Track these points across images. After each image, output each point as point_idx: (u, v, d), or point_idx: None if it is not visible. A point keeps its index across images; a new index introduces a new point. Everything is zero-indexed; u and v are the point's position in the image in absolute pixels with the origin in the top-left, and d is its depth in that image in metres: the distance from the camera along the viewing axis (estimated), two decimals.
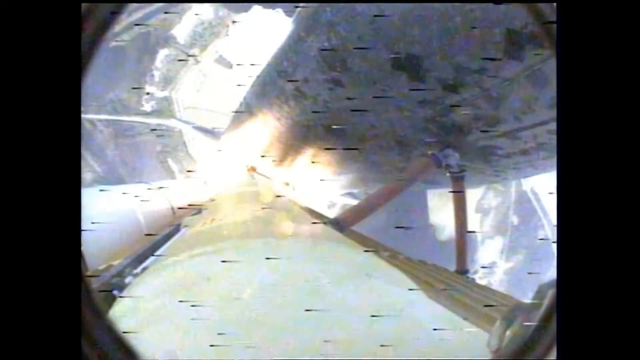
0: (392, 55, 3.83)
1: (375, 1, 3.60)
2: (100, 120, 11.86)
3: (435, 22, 3.33)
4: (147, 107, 12.11)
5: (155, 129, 11.86)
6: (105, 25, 0.58)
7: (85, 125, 11.68)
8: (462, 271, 5.20)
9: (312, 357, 0.69)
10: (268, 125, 7.33)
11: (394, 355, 0.73)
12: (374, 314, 0.92)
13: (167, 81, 12.08)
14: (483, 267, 16.51)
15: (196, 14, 11.56)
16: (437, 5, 3.25)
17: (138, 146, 12.11)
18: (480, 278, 16.24)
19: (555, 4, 0.63)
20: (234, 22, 11.71)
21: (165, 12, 11.42)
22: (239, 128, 9.28)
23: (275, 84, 6.01)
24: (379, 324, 0.87)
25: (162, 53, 12.00)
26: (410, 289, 1.41)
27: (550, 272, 17.45)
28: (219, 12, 11.80)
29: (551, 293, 0.62)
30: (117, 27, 11.59)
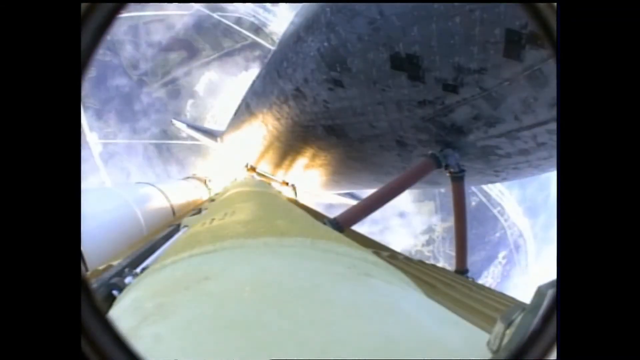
0: (392, 55, 3.84)
1: (376, 1, 3.60)
2: (151, 144, 18.67)
3: (435, 22, 3.33)
4: (184, 134, 18.16)
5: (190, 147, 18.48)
6: (105, 25, 0.58)
7: (138, 148, 18.33)
8: (462, 271, 5.20)
9: (311, 357, 0.69)
10: (268, 125, 7.33)
11: (394, 355, 0.73)
12: (373, 314, 0.92)
13: (195, 119, 18.82)
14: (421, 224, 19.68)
15: (209, 79, 19.10)
16: (437, 5, 3.25)
17: (180, 160, 18.49)
18: (422, 233, 20.12)
19: (555, 4, 0.63)
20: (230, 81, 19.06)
21: (187, 75, 18.72)
22: (239, 129, 9.28)
23: (275, 84, 6.01)
24: (378, 323, 0.87)
25: (189, 102, 19.29)
26: (409, 289, 1.41)
27: (496, 233, 19.56)
28: (222, 75, 19.28)
29: (551, 293, 0.62)
30: (155, 85, 18.19)
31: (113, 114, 17.28)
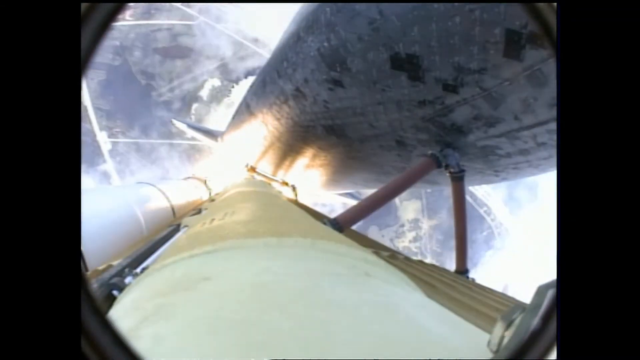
0: (392, 55, 3.83)
1: (376, 1, 3.60)
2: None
3: (435, 22, 3.33)
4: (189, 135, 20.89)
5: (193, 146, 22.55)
6: (105, 25, 0.58)
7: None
8: (462, 271, 5.20)
9: (311, 357, 0.69)
10: (268, 125, 7.33)
11: (394, 355, 0.73)
12: (373, 314, 0.92)
13: (200, 121, 22.01)
14: (408, 221, 21.78)
15: (212, 85, 22.49)
16: (437, 5, 3.25)
17: (188, 156, 22.38)
18: (409, 230, 21.87)
19: (555, 4, 0.63)
20: (232, 87, 22.42)
21: (192, 81, 22.15)
22: (239, 128, 9.28)
23: (275, 84, 6.01)
24: (378, 323, 0.87)
25: (194, 106, 22.72)
26: (409, 289, 1.41)
27: (484, 233, 21.63)
28: (223, 82, 22.46)
29: (551, 293, 0.62)
30: (163, 89, 21.66)
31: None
